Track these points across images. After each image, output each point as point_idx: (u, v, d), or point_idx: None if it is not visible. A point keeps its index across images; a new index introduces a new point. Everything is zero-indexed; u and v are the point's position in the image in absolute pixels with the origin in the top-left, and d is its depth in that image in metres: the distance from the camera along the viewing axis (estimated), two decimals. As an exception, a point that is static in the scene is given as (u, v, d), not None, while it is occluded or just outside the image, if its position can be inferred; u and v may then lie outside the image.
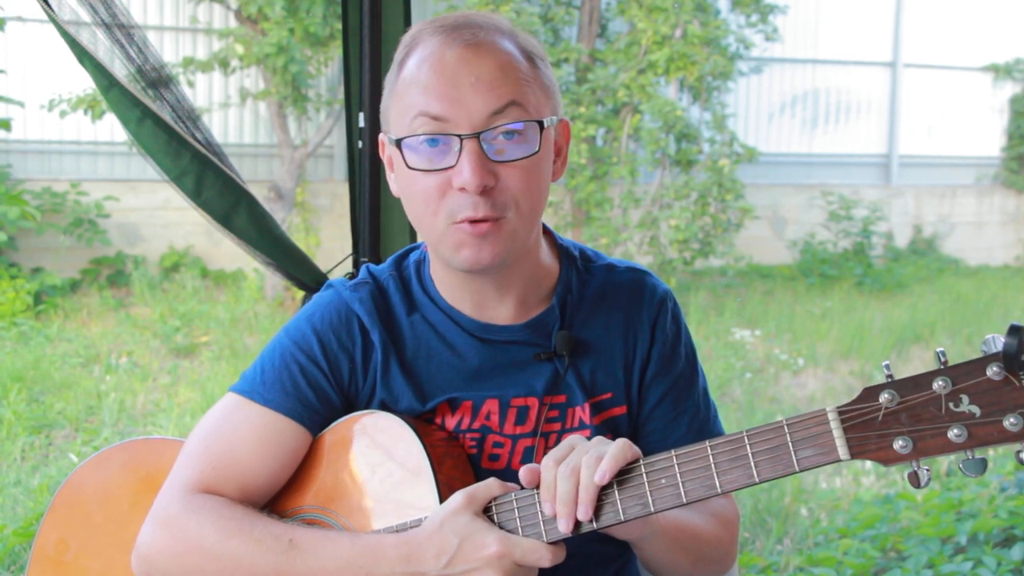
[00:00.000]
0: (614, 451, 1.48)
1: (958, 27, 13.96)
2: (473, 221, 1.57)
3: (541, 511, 1.52)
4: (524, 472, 1.52)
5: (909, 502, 4.61)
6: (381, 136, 1.70)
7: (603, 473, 1.46)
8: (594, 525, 1.49)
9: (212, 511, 1.62)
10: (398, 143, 1.61)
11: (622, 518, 1.48)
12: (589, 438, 1.72)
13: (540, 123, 1.60)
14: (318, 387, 1.70)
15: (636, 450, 1.50)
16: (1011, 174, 14.39)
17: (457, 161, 1.56)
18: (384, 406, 1.72)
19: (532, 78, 1.62)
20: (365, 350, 1.72)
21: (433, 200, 1.59)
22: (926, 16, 13.97)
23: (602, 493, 1.49)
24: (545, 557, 1.50)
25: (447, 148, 1.57)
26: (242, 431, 1.69)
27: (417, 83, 1.59)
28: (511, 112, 1.57)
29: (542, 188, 1.64)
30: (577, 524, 1.49)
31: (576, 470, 1.48)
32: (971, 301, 10.39)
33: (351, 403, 1.74)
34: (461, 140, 1.56)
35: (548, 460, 1.51)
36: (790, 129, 13.62)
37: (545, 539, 1.51)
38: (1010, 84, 14.49)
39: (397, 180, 1.68)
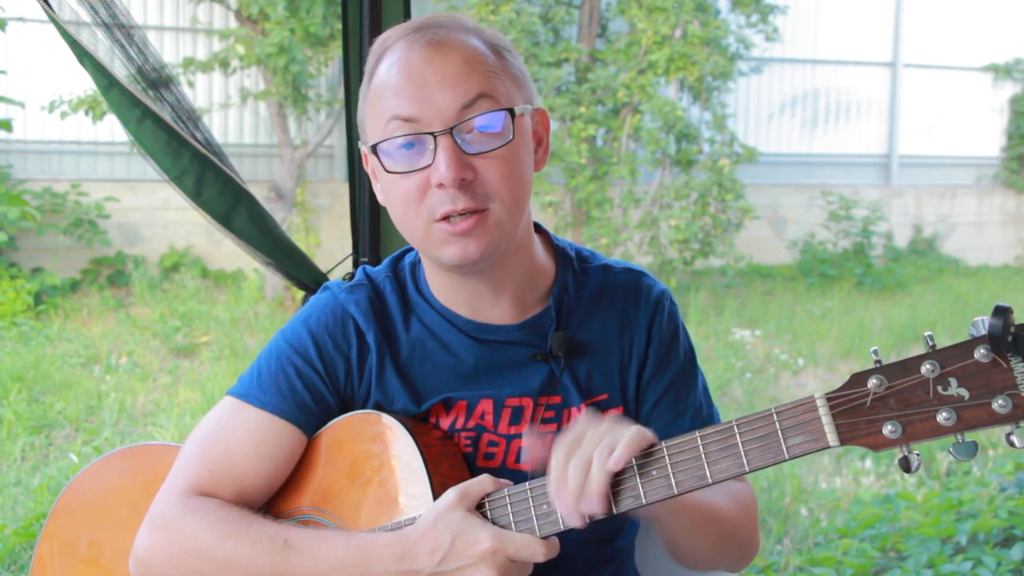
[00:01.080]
0: (628, 439, 1.45)
1: (958, 27, 13.96)
2: (452, 216, 1.57)
3: (532, 507, 1.52)
4: (527, 455, 1.50)
5: (909, 502, 4.61)
6: (362, 147, 1.70)
7: (616, 461, 1.43)
8: (586, 520, 1.49)
9: (208, 513, 1.63)
10: (374, 149, 1.61)
11: (614, 511, 1.48)
12: None
13: (511, 111, 1.60)
14: (314, 389, 1.71)
15: (650, 436, 1.47)
16: (1011, 174, 14.40)
17: (433, 159, 1.57)
18: (379, 407, 1.72)
19: (500, 69, 1.62)
20: (361, 352, 1.72)
21: (414, 201, 1.59)
22: (926, 16, 13.97)
23: None
24: (539, 552, 1.50)
25: (422, 148, 1.58)
26: (239, 434, 1.69)
27: (387, 88, 1.60)
28: (481, 104, 1.58)
29: (523, 177, 1.63)
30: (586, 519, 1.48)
31: (588, 462, 1.45)
32: (971, 301, 10.39)
33: (347, 405, 1.74)
34: (435, 137, 1.56)
35: (559, 452, 1.47)
36: (790, 129, 13.62)
37: (538, 534, 1.52)
38: (1010, 84, 14.49)
39: (381, 188, 1.69)
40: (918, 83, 14.17)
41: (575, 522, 1.47)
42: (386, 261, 1.83)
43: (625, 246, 10.15)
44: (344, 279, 1.87)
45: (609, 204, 10.24)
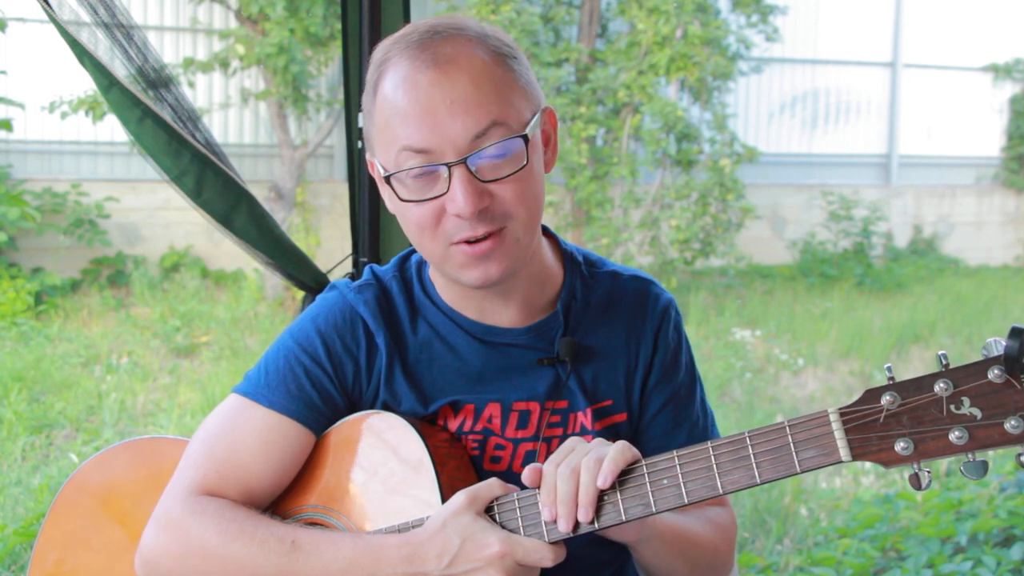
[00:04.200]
0: (614, 454, 1.48)
1: (958, 27, 13.96)
2: (472, 241, 1.56)
3: (542, 512, 1.52)
4: (527, 472, 1.52)
5: (909, 502, 4.61)
6: (368, 156, 1.67)
7: (605, 476, 1.46)
8: (595, 526, 1.49)
9: (215, 514, 1.62)
10: (387, 179, 1.59)
11: (623, 518, 1.48)
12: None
13: (525, 136, 1.57)
14: (322, 389, 1.70)
15: (635, 452, 1.50)
16: (1011, 174, 14.40)
17: (448, 188, 1.54)
18: (387, 408, 1.71)
19: (508, 84, 1.58)
20: (369, 353, 1.72)
21: (429, 227, 1.58)
22: (926, 16, 13.98)
23: (604, 493, 1.49)
24: (547, 557, 1.51)
25: (436, 177, 1.55)
26: (246, 433, 1.68)
27: (396, 112, 1.56)
28: (494, 132, 1.54)
29: (538, 194, 1.62)
30: (577, 524, 1.49)
31: (576, 471, 1.48)
32: (971, 301, 10.40)
33: (355, 405, 1.73)
34: (449, 168, 1.54)
35: (549, 463, 1.52)
36: (790, 129, 13.63)
37: (547, 539, 1.51)
38: (1010, 84, 14.49)
39: (391, 204, 1.66)
40: (918, 83, 14.18)
41: (564, 527, 1.49)
42: (393, 261, 1.82)
43: (626, 246, 10.15)
44: (348, 278, 1.86)
45: (610, 204, 10.24)
